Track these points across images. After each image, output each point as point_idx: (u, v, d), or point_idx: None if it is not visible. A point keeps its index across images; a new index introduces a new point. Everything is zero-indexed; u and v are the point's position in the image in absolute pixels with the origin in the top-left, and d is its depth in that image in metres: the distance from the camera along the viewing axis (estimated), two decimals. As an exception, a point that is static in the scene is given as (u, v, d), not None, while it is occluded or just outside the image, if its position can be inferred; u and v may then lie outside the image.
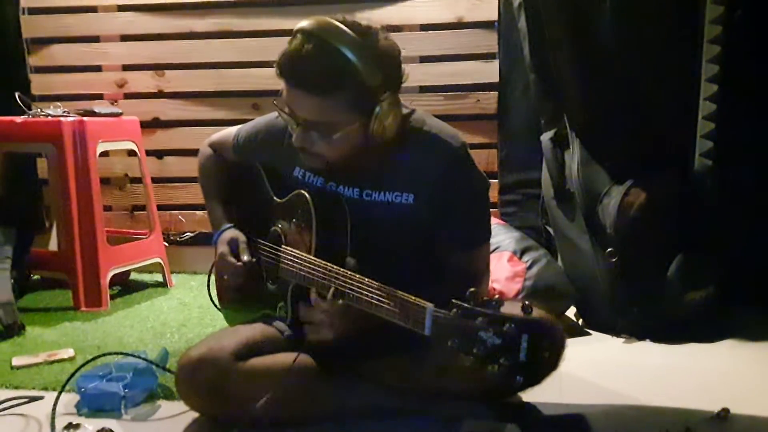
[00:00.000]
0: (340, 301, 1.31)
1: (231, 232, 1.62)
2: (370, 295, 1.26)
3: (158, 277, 2.78)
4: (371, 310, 1.26)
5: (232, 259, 1.58)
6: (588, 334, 2.09)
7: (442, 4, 2.66)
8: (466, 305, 1.08)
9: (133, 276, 2.79)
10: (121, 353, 1.67)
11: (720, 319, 2.05)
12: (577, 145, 2.21)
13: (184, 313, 2.36)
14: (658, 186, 2.11)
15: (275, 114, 1.60)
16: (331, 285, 1.33)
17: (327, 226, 1.45)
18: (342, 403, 1.44)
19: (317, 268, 1.39)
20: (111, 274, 2.48)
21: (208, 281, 1.75)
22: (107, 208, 2.89)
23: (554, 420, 1.43)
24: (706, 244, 2.09)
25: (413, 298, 1.18)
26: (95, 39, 2.92)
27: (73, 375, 1.57)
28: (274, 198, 1.62)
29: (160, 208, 2.79)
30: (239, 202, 1.71)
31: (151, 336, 2.11)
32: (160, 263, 2.73)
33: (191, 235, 2.94)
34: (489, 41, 2.66)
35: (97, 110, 2.51)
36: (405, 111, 1.45)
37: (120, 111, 2.63)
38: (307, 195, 1.47)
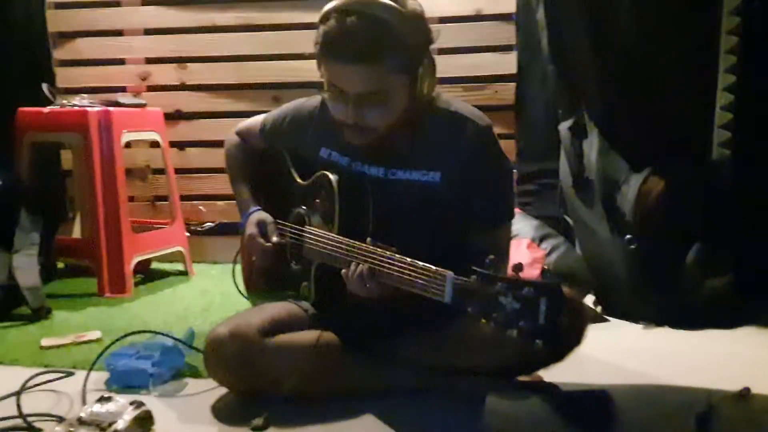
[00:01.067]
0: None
1: (259, 214, 1.65)
2: (391, 267, 1.29)
3: (179, 266, 2.82)
4: (392, 281, 1.29)
5: (262, 240, 1.60)
6: (607, 320, 2.10)
7: (460, -3, 2.68)
8: (485, 272, 1.11)
9: (155, 265, 2.84)
10: (150, 331, 1.71)
11: (739, 307, 2.05)
12: (596, 134, 2.22)
13: (206, 299, 2.39)
14: (676, 174, 2.11)
15: (302, 100, 1.67)
16: (352, 260, 1.36)
17: (350, 205, 1.48)
18: (365, 380, 1.47)
19: (340, 245, 1.41)
20: (135, 261, 2.52)
21: (233, 267, 1.77)
22: (129, 199, 2.88)
23: (577, 396, 1.44)
24: (724, 233, 2.09)
25: (433, 267, 1.21)
26: (119, 33, 2.97)
27: (103, 353, 1.61)
28: (298, 180, 1.65)
29: (181, 198, 2.83)
30: (265, 187, 1.74)
31: (175, 320, 2.14)
32: (182, 252, 2.77)
33: (212, 225, 2.96)
34: (507, 33, 2.69)
35: (121, 101, 2.55)
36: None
37: (144, 102, 2.67)
38: (330, 175, 1.51)
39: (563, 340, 1.24)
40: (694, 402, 1.36)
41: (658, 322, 2.02)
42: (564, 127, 2.30)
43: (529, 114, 2.68)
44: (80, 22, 2.97)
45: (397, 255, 1.30)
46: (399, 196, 1.47)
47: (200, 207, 2.99)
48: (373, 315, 1.44)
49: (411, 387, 1.47)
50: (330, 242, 1.45)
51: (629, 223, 2.08)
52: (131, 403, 1.31)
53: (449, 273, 1.17)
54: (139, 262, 2.58)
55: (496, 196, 1.48)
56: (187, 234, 2.84)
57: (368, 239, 1.36)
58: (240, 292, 1.76)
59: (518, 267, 1.10)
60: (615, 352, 1.78)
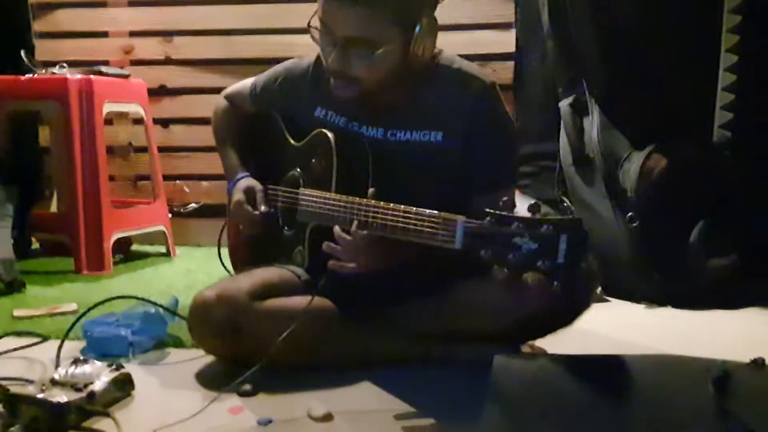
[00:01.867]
0: (364, 231, 1.26)
1: (247, 181, 1.57)
2: (395, 219, 1.21)
3: (161, 249, 2.72)
4: (397, 234, 1.21)
5: (249, 208, 1.52)
6: (607, 301, 2.04)
7: (457, -26, 2.62)
8: (500, 213, 1.04)
9: (135, 248, 2.74)
10: (131, 297, 1.60)
11: (744, 287, 2.00)
12: (597, 110, 2.18)
13: (189, 278, 2.30)
14: (679, 151, 2.08)
15: (294, 60, 1.59)
16: (353, 218, 1.28)
17: (348, 165, 1.40)
18: (361, 348, 1.39)
19: (338, 203, 1.34)
20: (114, 237, 2.42)
21: (219, 240, 1.69)
22: (110, 179, 2.77)
23: (589, 359, 1.37)
24: (728, 212, 2.05)
25: (443, 213, 1.13)
26: (102, 4, 2.88)
27: (78, 319, 1.51)
28: (292, 142, 1.57)
29: (164, 178, 2.74)
30: (256, 152, 1.66)
31: (158, 295, 2.02)
32: (164, 231, 2.67)
33: (196, 206, 2.87)
34: (506, 11, 2.64)
35: (104, 70, 2.45)
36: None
37: (128, 73, 2.58)
38: (327, 133, 1.43)
39: (580, 287, 1.18)
40: (709, 369, 1.28)
41: (661, 301, 1.96)
42: (564, 103, 2.26)
43: (527, 94, 2.63)
44: (62, -7, 2.87)
45: (400, 207, 1.22)
46: (399, 157, 1.40)
47: (184, 187, 2.89)
48: (369, 280, 1.35)
49: (409, 356, 1.38)
50: (327, 201, 1.37)
51: (631, 200, 2.03)
52: (109, 365, 1.21)
53: (460, 217, 1.10)
54: (119, 243, 2.48)
55: (501, 157, 1.41)
56: (170, 215, 2.74)
57: (370, 190, 1.28)
58: (226, 269, 1.67)
59: (535, 206, 1.02)
60: (619, 328, 1.72)
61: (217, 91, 1.75)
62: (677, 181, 2.04)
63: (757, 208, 2.11)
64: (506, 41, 2.62)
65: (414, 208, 1.20)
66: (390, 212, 1.23)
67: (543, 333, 1.40)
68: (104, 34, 2.88)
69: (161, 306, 1.57)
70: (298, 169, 1.53)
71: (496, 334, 1.33)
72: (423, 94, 1.40)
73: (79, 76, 2.36)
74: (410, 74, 1.38)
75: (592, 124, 2.18)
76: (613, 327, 1.72)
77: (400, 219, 1.21)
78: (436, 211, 1.16)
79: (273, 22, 2.75)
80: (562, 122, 2.27)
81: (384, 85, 1.35)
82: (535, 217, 1.01)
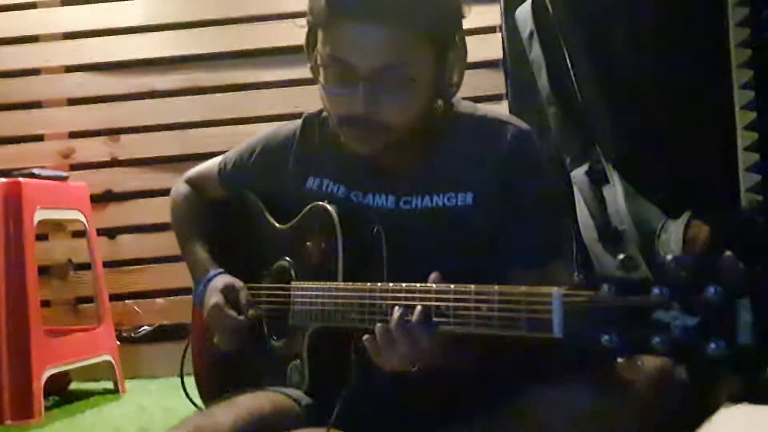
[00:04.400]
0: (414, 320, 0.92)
1: (224, 278, 1.24)
2: (445, 304, 0.89)
3: (107, 384, 2.31)
4: (448, 325, 0.89)
5: (232, 313, 1.18)
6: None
7: (440, 45, 2.48)
8: (622, 276, 0.71)
9: (75, 385, 2.33)
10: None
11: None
12: (617, 177, 1.96)
13: (143, 419, 1.90)
14: (721, 215, 1.84)
15: (273, 128, 1.32)
16: (376, 313, 0.96)
17: (356, 246, 1.09)
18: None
19: (352, 295, 1.01)
20: (47, 375, 2.00)
21: (182, 363, 1.32)
22: (45, 304, 2.46)
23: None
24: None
25: (524, 287, 0.82)
26: (36, 105, 2.64)
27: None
28: (277, 225, 1.25)
29: (111, 298, 2.39)
30: (229, 246, 1.34)
31: (100, 447, 1.61)
32: (111, 362, 2.27)
33: (149, 329, 2.52)
34: (495, 81, 2.51)
35: (36, 172, 2.14)
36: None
37: (66, 175, 2.30)
38: (325, 205, 1.13)
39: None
40: None
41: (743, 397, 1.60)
42: (579, 173, 2.01)
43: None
44: (-8, 94, 2.63)
45: (451, 286, 0.90)
46: (418, 230, 1.09)
47: (135, 307, 2.54)
48: (402, 397, 1.02)
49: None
50: (335, 294, 1.05)
51: (667, 262, 1.74)
52: None
53: (555, 289, 0.78)
54: (54, 381, 2.06)
55: (546, 221, 1.12)
56: (118, 343, 2.36)
57: (433, 275, 0.95)
58: (193, 402, 1.29)
59: (675, 263, 0.69)
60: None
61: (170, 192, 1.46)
62: (726, 249, 1.78)
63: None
64: (500, 112, 2.45)
65: (473, 286, 0.87)
66: (436, 296, 0.90)
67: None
68: (40, 138, 2.63)
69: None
70: (287, 258, 1.20)
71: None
72: (443, 149, 1.12)
73: (2, 180, 2.02)
74: (426, 125, 1.10)
75: (616, 193, 1.94)
76: None
77: (451, 303, 0.88)
78: (508, 286, 0.84)
79: (235, 111, 2.56)
80: (577, 195, 2.02)
81: (403, 135, 1.07)
82: (685, 276, 0.67)
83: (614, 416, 0.88)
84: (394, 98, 1.02)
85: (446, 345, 0.90)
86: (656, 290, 0.68)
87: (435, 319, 0.90)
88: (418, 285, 0.93)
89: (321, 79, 1.07)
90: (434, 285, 0.91)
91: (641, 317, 0.68)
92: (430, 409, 1.01)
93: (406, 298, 0.93)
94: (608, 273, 1.92)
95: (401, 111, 1.04)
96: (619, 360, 0.70)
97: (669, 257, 0.72)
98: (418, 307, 0.90)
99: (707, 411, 0.95)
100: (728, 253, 0.68)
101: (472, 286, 0.88)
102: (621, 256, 0.73)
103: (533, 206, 1.09)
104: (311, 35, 1.07)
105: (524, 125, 1.14)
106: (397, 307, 0.92)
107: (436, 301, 0.90)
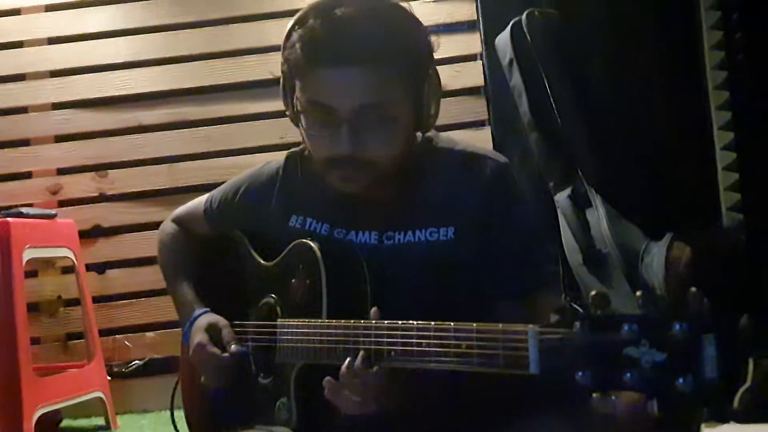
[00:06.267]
0: (375, 368, 0.95)
1: (208, 317, 1.25)
2: (426, 341, 0.90)
3: (98, 421, 2.30)
4: (429, 363, 0.90)
5: (215, 350, 1.19)
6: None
7: (424, 75, 2.51)
8: (594, 314, 0.73)
9: (66, 423, 2.32)
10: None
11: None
12: (599, 201, 2.01)
13: None
14: (702, 237, 1.88)
15: (256, 167, 1.34)
16: (359, 347, 0.97)
17: (340, 282, 1.10)
18: None
19: (335, 332, 1.02)
20: (38, 414, 1.98)
21: (172, 400, 1.34)
22: (34, 341, 2.43)
23: None
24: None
25: (501, 324, 0.83)
26: (24, 143, 2.63)
27: None
28: (262, 263, 1.26)
29: (101, 333, 2.38)
30: (216, 284, 1.35)
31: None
32: (102, 398, 2.26)
33: (140, 363, 2.50)
34: (477, 108, 2.52)
35: (24, 211, 2.14)
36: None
37: (54, 212, 2.28)
38: (309, 242, 1.14)
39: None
40: None
41: (739, 416, 1.62)
42: (562, 197, 2.06)
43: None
44: (-23, 134, 2.62)
45: (431, 324, 0.91)
46: (400, 266, 1.11)
47: (125, 342, 2.52)
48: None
49: None
50: (320, 331, 1.05)
51: (663, 297, 1.76)
52: None
53: (531, 327, 0.79)
54: (45, 418, 2.03)
55: (528, 251, 1.13)
56: (109, 378, 2.35)
57: (373, 310, 0.99)
58: None
59: (646, 298, 0.71)
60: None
61: (159, 225, 1.47)
62: (708, 270, 1.81)
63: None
64: (482, 139, 2.48)
65: (452, 324, 0.89)
66: (417, 334, 0.91)
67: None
68: (28, 175, 2.61)
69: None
70: (273, 295, 1.21)
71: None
72: (423, 185, 1.14)
73: (-10, 220, 2.02)
74: (406, 161, 1.12)
75: (599, 216, 1.98)
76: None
77: (432, 341, 0.89)
78: (487, 324, 0.85)
79: (220, 143, 2.57)
80: (561, 219, 2.07)
81: (388, 171, 1.10)
82: (654, 314, 0.70)
83: None
84: (376, 135, 1.05)
85: (403, 385, 0.93)
86: (626, 327, 0.70)
87: (415, 357, 0.91)
88: (399, 322, 0.95)
89: (303, 124, 1.09)
90: (415, 323, 0.93)
91: (612, 354, 0.70)
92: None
93: (387, 335, 0.95)
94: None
95: (385, 147, 1.06)
96: (594, 395, 0.72)
97: (639, 293, 0.74)
98: (361, 352, 0.94)
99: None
100: (693, 289, 0.70)
101: (452, 324, 0.89)
102: (593, 293, 0.75)
103: (514, 237, 1.11)
104: (287, 84, 1.10)
105: (502, 158, 1.16)
106: (349, 357, 0.95)
107: (419, 339, 0.91)
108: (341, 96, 1.03)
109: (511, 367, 0.80)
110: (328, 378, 0.97)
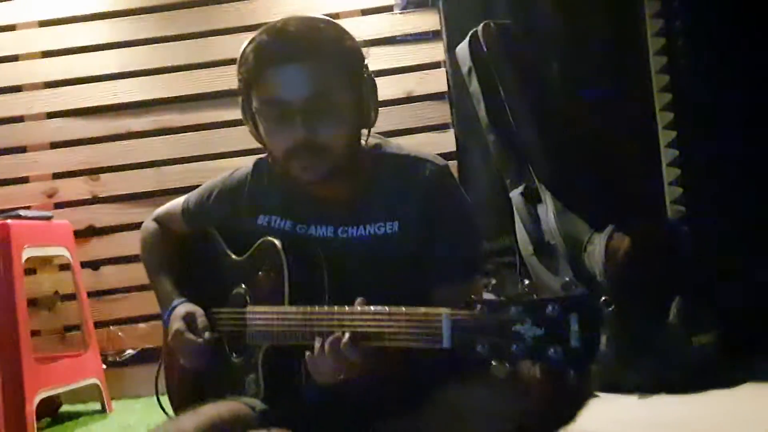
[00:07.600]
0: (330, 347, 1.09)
1: (185, 306, 1.40)
2: (370, 323, 1.06)
3: (95, 405, 2.43)
4: (370, 340, 1.05)
5: (190, 336, 1.34)
6: (596, 396, 1.86)
7: (391, 81, 2.62)
8: (491, 299, 0.90)
9: (65, 407, 2.43)
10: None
11: (732, 364, 1.88)
12: (549, 197, 2.16)
13: None
14: (641, 228, 2.04)
15: (228, 172, 1.48)
16: (314, 331, 1.12)
17: (301, 273, 1.26)
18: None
19: (294, 317, 1.18)
20: (38, 398, 2.12)
21: (156, 382, 1.51)
22: (34, 333, 2.55)
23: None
24: (701, 287, 1.98)
25: (422, 308, 0.99)
26: (22, 149, 2.74)
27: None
28: (234, 257, 1.41)
29: (96, 325, 2.51)
30: (193, 277, 1.50)
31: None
32: (98, 385, 2.39)
33: (133, 353, 2.63)
34: (442, 112, 2.65)
35: (23, 213, 2.27)
36: (376, 140, 1.33)
37: (50, 214, 2.41)
38: (272, 239, 1.30)
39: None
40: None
41: (653, 389, 1.80)
42: (516, 193, 2.22)
43: (474, 192, 2.56)
44: (-23, 142, 2.73)
45: (369, 308, 1.07)
46: (354, 254, 1.27)
47: (119, 333, 2.65)
48: (339, 402, 1.18)
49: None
50: (281, 317, 1.21)
51: (602, 283, 1.94)
52: None
53: (444, 310, 0.96)
54: (45, 404, 2.18)
55: (464, 244, 1.29)
56: (104, 366, 2.49)
57: (358, 300, 1.12)
58: (164, 410, 1.47)
59: (531, 286, 0.89)
60: (616, 423, 1.53)
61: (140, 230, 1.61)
62: (644, 259, 1.97)
63: (724, 281, 2.06)
64: (446, 142, 2.61)
65: (387, 308, 1.05)
66: (359, 317, 1.08)
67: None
68: (25, 180, 2.73)
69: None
70: (243, 286, 1.37)
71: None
72: (373, 184, 1.30)
73: (-8, 222, 2.16)
74: (357, 163, 1.28)
75: (547, 210, 2.13)
76: (617, 426, 1.54)
77: (371, 323, 1.06)
78: (414, 307, 1.01)
79: (203, 149, 2.69)
80: (515, 213, 2.22)
81: (341, 161, 1.25)
82: (534, 299, 0.87)
83: (499, 408, 1.07)
84: (326, 121, 1.20)
85: (369, 359, 1.07)
86: (513, 309, 0.88)
87: (359, 339, 1.06)
88: (346, 308, 1.10)
89: (261, 124, 1.24)
90: (359, 308, 1.09)
91: (504, 330, 0.87)
92: (358, 412, 1.18)
93: (339, 320, 1.10)
94: (543, 283, 2.13)
95: (334, 131, 1.21)
96: (493, 363, 0.88)
97: (525, 282, 0.91)
98: (347, 334, 1.07)
99: (579, 402, 1.15)
100: (567, 279, 0.88)
101: (387, 308, 1.05)
102: (526, 281, 0.91)
103: (452, 231, 1.26)
104: (245, 96, 1.25)
105: (441, 161, 1.31)
106: (326, 334, 1.08)
107: (361, 322, 1.07)
108: (291, 89, 1.19)
109: (430, 343, 0.96)
110: (308, 353, 1.12)
